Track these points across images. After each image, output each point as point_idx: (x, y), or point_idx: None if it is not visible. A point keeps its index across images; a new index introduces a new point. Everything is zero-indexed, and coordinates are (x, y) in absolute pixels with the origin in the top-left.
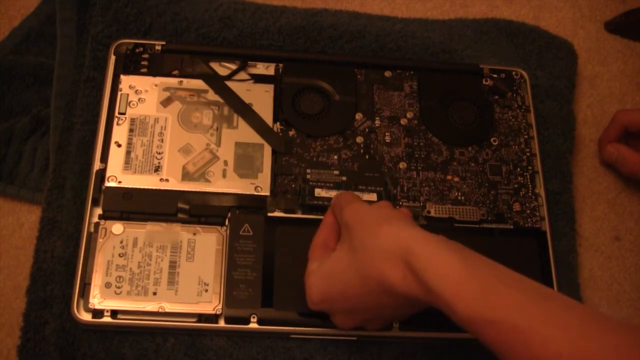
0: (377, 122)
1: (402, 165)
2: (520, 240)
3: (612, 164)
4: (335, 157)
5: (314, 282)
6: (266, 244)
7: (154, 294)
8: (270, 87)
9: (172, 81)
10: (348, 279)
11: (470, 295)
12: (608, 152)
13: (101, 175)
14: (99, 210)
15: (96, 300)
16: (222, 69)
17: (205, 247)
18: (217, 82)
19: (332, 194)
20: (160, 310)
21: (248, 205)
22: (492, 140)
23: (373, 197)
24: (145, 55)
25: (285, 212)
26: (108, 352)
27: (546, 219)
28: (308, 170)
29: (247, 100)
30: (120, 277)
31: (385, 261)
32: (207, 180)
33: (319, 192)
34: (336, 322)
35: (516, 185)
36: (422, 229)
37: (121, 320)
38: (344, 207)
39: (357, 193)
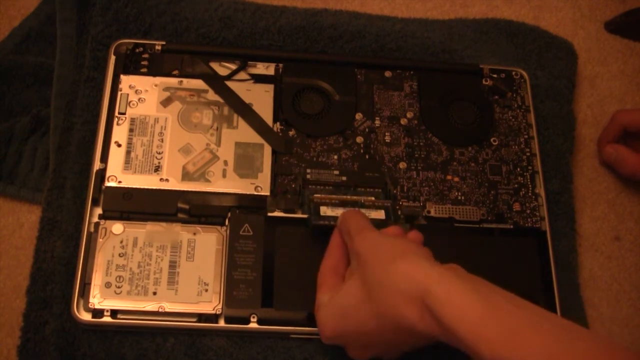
0: (377, 122)
1: (402, 165)
2: (520, 240)
3: (611, 165)
4: (335, 157)
5: (326, 317)
6: (266, 244)
7: (154, 293)
8: (270, 87)
9: (172, 81)
10: (362, 317)
11: (493, 337)
12: (607, 152)
13: (101, 175)
14: (99, 210)
15: (96, 300)
16: (222, 69)
17: (205, 247)
18: (217, 82)
19: (339, 212)
20: (160, 310)
21: (248, 205)
22: (492, 140)
23: (381, 214)
24: (145, 55)
25: (285, 212)
26: (108, 352)
27: (546, 219)
28: (308, 170)
29: (247, 100)
30: (120, 277)
31: (402, 301)
32: (207, 180)
33: (325, 210)
34: (351, 355)
35: (516, 185)
36: (437, 263)
37: (121, 320)
38: (354, 236)
39: (363, 210)
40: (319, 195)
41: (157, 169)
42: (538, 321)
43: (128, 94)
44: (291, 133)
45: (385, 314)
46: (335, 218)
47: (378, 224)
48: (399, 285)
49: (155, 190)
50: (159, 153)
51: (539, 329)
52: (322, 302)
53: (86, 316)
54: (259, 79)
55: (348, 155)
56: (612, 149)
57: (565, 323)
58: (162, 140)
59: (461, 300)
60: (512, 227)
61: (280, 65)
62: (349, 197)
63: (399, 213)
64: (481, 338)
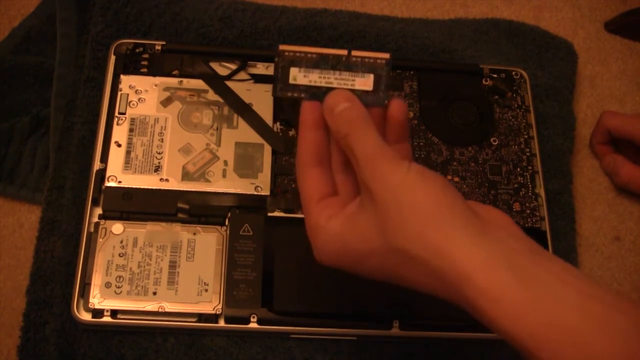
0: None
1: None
2: None
3: (608, 174)
4: None
5: (325, 246)
6: (266, 244)
7: (154, 293)
8: (270, 87)
9: (172, 81)
10: (372, 267)
11: (555, 344)
12: (606, 161)
13: (101, 175)
14: (99, 210)
15: (96, 300)
16: (222, 69)
17: (205, 247)
18: (217, 82)
19: (314, 78)
20: (160, 310)
21: (248, 205)
22: (492, 140)
23: (368, 83)
24: (145, 55)
25: (285, 212)
26: (108, 352)
27: (546, 219)
28: None
29: (247, 100)
30: (120, 277)
31: (432, 279)
32: (207, 180)
33: (296, 74)
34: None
35: (516, 185)
36: (481, 230)
37: (121, 320)
38: (361, 163)
39: (347, 75)
40: (288, 48)
41: (157, 169)
42: (608, 317)
43: (128, 94)
44: (291, 133)
45: (404, 280)
46: (308, 88)
47: (361, 97)
48: (431, 262)
49: (155, 190)
50: (159, 153)
51: (608, 328)
52: (320, 224)
53: (86, 316)
54: (259, 79)
55: None
56: (610, 158)
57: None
58: (162, 140)
59: (514, 298)
60: None
61: None
62: (330, 51)
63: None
64: (542, 344)
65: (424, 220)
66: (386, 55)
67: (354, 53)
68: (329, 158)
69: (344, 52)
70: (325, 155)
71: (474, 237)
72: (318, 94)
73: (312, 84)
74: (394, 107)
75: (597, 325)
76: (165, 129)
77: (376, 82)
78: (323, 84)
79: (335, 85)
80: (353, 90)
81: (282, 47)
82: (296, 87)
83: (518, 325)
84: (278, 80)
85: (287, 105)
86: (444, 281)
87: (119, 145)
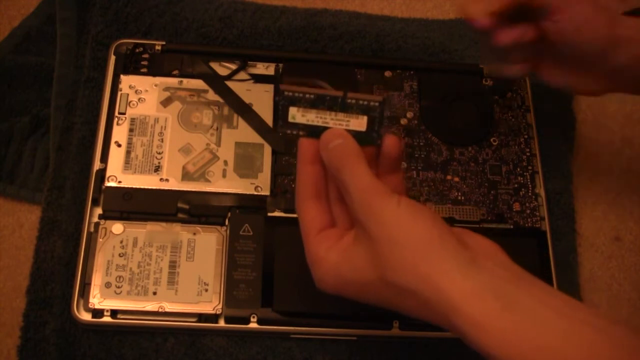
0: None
1: (402, 165)
2: (520, 240)
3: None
4: None
5: (326, 277)
6: (266, 244)
7: (154, 293)
8: (270, 87)
9: (172, 81)
10: (369, 296)
11: None
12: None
13: (101, 175)
14: (99, 210)
15: (96, 300)
16: (222, 69)
17: (205, 247)
18: (217, 82)
19: (311, 117)
20: (160, 310)
21: (248, 205)
22: (492, 140)
23: (362, 124)
24: (145, 55)
25: (285, 212)
26: (108, 352)
27: (546, 219)
28: None
29: (247, 100)
30: (120, 277)
31: (423, 310)
32: (207, 180)
33: (295, 113)
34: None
35: (516, 185)
36: (468, 263)
37: (121, 320)
38: (354, 199)
39: (342, 117)
40: (288, 88)
41: (157, 169)
42: (589, 339)
43: (128, 94)
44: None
45: (400, 309)
46: (306, 127)
47: (355, 137)
48: (422, 294)
49: (155, 190)
50: (159, 153)
51: (590, 351)
52: (319, 256)
53: (86, 316)
54: (259, 79)
55: None
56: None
57: (621, 335)
58: (162, 140)
59: (498, 326)
60: (512, 227)
61: (280, 65)
62: (327, 91)
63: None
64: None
65: (414, 255)
66: (379, 98)
67: (350, 95)
68: (326, 191)
69: (340, 93)
70: (323, 189)
71: (462, 268)
72: (316, 132)
73: (310, 122)
74: (389, 144)
75: (580, 348)
76: (165, 129)
77: (370, 123)
78: (320, 123)
79: (331, 125)
80: (348, 131)
81: (282, 86)
82: (295, 125)
83: (505, 351)
84: (280, 118)
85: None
86: (435, 311)
87: (119, 145)
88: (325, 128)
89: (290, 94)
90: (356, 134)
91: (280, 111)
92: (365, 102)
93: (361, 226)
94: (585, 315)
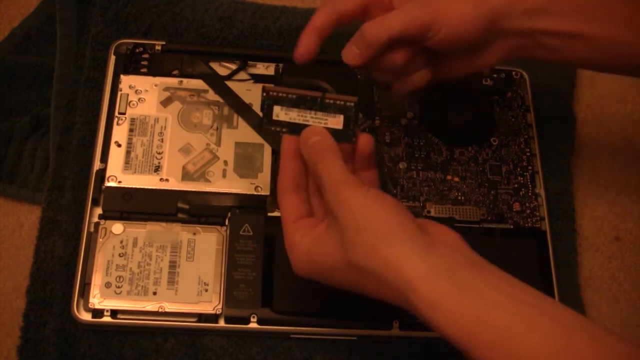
0: (377, 122)
1: (402, 165)
2: (520, 240)
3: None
4: None
5: (300, 262)
6: (266, 244)
7: (154, 293)
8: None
9: (172, 81)
10: (339, 279)
11: (488, 343)
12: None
13: (101, 175)
14: (99, 210)
15: (96, 300)
16: (222, 69)
17: (205, 247)
18: (217, 82)
19: (293, 115)
20: (160, 310)
21: (248, 205)
22: (492, 140)
23: (339, 122)
24: (145, 55)
25: None
26: (108, 352)
27: (546, 219)
28: None
29: (247, 100)
30: (120, 277)
31: (386, 290)
32: (207, 180)
33: (278, 112)
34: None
35: (516, 185)
36: (426, 246)
37: (121, 320)
38: (327, 189)
39: (320, 116)
40: (272, 88)
41: (157, 169)
42: (536, 319)
43: (128, 94)
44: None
45: (364, 291)
46: (289, 124)
47: (333, 134)
48: (382, 275)
49: (155, 190)
50: (159, 153)
51: (535, 328)
52: (294, 242)
53: (86, 316)
54: (259, 79)
55: None
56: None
57: (566, 316)
58: (162, 140)
59: (451, 304)
60: (512, 227)
61: (280, 65)
62: (307, 92)
63: (360, 116)
64: (476, 344)
65: (376, 238)
66: (354, 99)
67: (327, 96)
68: (306, 185)
69: (319, 94)
70: (303, 182)
71: (420, 251)
72: (297, 129)
73: (292, 120)
74: (362, 142)
75: (525, 325)
76: (165, 129)
77: (346, 122)
78: (301, 121)
79: (311, 123)
80: (326, 128)
81: (266, 86)
82: (279, 122)
83: (455, 327)
84: (264, 116)
85: None
86: (394, 290)
87: (119, 145)
88: (306, 125)
89: (275, 93)
90: (333, 132)
91: (265, 110)
92: (342, 103)
93: (332, 214)
94: (532, 298)
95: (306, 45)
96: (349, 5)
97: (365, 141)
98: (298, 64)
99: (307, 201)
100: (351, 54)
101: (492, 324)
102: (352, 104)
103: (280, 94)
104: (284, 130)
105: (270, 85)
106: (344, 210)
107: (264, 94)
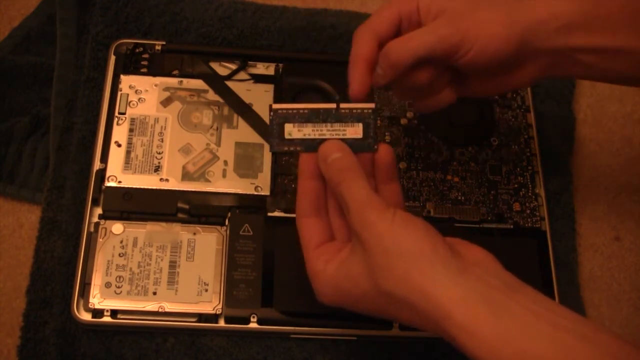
0: (377, 122)
1: (402, 165)
2: (520, 240)
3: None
4: None
5: (325, 289)
6: (266, 244)
7: (154, 293)
8: (270, 87)
9: (172, 81)
10: (366, 306)
11: None
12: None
13: (101, 175)
14: (99, 210)
15: (96, 300)
16: (222, 69)
17: (205, 247)
18: (217, 82)
19: (307, 131)
20: (160, 310)
21: (248, 205)
22: (492, 140)
23: (358, 131)
24: (145, 55)
25: (285, 212)
26: (108, 352)
27: (546, 219)
28: None
29: (247, 100)
30: (120, 277)
31: (417, 317)
32: (207, 180)
33: (291, 130)
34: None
35: (516, 185)
36: (458, 270)
37: (121, 320)
38: (352, 212)
39: (338, 127)
40: (280, 106)
41: (157, 169)
42: (576, 346)
43: (128, 94)
44: None
45: (395, 318)
46: (303, 141)
47: (352, 144)
48: (415, 303)
49: (155, 190)
50: (159, 153)
51: (573, 357)
52: (318, 269)
53: (86, 316)
54: (259, 79)
55: None
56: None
57: (606, 340)
58: (162, 140)
59: (488, 332)
60: (512, 227)
61: (280, 65)
62: (319, 105)
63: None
64: None
65: (407, 265)
66: (371, 105)
67: (342, 105)
68: (325, 206)
69: (333, 105)
70: (322, 204)
71: (453, 276)
72: (313, 145)
73: (307, 136)
74: (382, 152)
75: (565, 355)
76: (165, 129)
77: (365, 130)
78: (317, 136)
79: (327, 136)
80: (345, 139)
81: (274, 105)
82: (292, 141)
83: (492, 356)
84: (274, 136)
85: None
86: (427, 318)
87: (119, 145)
88: (323, 140)
89: (284, 111)
90: (353, 142)
91: (275, 129)
92: (359, 111)
93: (357, 238)
94: (571, 323)
95: (359, 81)
96: (385, 25)
97: (385, 151)
98: (355, 102)
99: (327, 224)
100: (374, 74)
101: (532, 353)
102: (370, 111)
103: (290, 111)
104: (299, 148)
105: (277, 104)
106: (371, 235)
107: (272, 114)
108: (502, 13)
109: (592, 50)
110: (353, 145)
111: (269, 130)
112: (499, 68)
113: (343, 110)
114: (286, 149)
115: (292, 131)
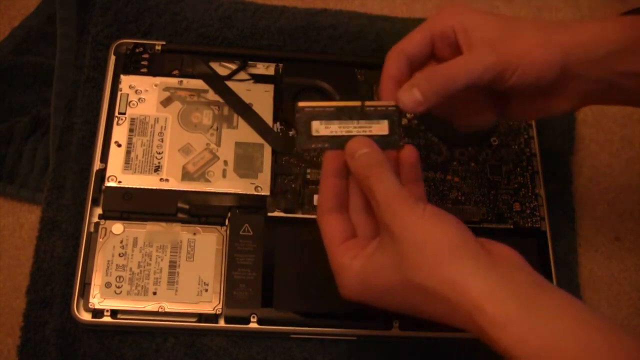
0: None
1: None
2: (520, 240)
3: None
4: None
5: (351, 284)
6: (266, 244)
7: (154, 293)
8: (270, 87)
9: (172, 81)
10: (396, 301)
11: None
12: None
13: (101, 175)
14: (99, 210)
15: (96, 300)
16: (222, 69)
17: (205, 247)
18: (217, 82)
19: (334, 128)
20: (160, 310)
21: (248, 205)
22: (492, 140)
23: (384, 127)
24: (145, 55)
25: (285, 212)
26: (108, 352)
27: (546, 219)
28: (308, 170)
29: (247, 100)
30: (120, 277)
31: (448, 310)
32: (207, 180)
33: (318, 127)
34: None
35: (516, 185)
36: (489, 265)
37: (121, 320)
38: (382, 207)
39: (363, 124)
40: (307, 104)
41: (157, 169)
42: (603, 346)
43: (128, 94)
44: (291, 133)
45: (423, 312)
46: (330, 138)
47: (378, 141)
48: (445, 294)
49: (155, 190)
50: (159, 153)
51: (598, 353)
52: (344, 264)
53: (86, 316)
54: (259, 79)
55: None
56: None
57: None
58: (162, 140)
59: (519, 326)
60: (512, 227)
61: (280, 65)
62: (345, 103)
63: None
64: None
65: (439, 257)
66: (394, 103)
67: (367, 103)
68: (346, 204)
69: (358, 103)
70: (344, 202)
71: (484, 270)
72: (339, 142)
73: (334, 134)
74: (407, 151)
75: (590, 351)
76: (165, 129)
77: (391, 127)
78: (344, 133)
79: (354, 133)
80: (371, 136)
81: (301, 103)
82: (319, 138)
83: (523, 349)
84: (302, 134)
85: (287, 106)
86: (458, 312)
87: (119, 145)
88: (350, 137)
89: (311, 109)
90: (379, 139)
91: (302, 127)
92: (384, 108)
93: (387, 231)
94: (597, 320)
95: (388, 98)
96: (414, 45)
97: (409, 151)
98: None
99: (349, 221)
100: (412, 99)
101: (559, 347)
102: (395, 108)
103: (317, 109)
104: (326, 145)
105: (303, 102)
106: (402, 227)
107: (298, 113)
108: (542, 36)
109: (635, 74)
110: (379, 141)
111: (295, 128)
112: (540, 93)
113: (368, 109)
114: (314, 146)
115: (320, 128)
